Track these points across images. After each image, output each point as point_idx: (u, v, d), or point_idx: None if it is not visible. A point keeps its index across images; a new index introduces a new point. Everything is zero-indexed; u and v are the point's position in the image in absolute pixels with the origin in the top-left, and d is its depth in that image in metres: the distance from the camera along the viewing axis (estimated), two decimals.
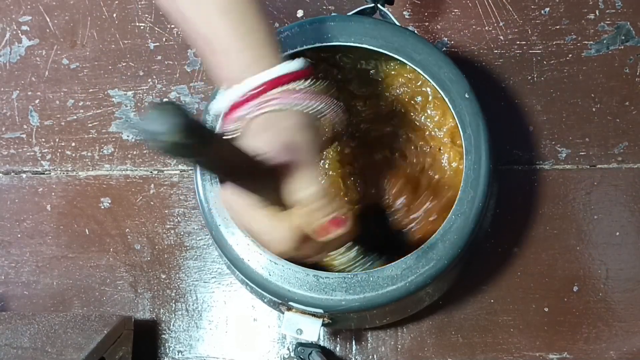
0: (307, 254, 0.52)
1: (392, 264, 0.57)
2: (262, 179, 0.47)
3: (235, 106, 0.48)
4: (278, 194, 0.49)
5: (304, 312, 0.59)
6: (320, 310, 0.58)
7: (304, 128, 0.49)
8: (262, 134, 0.48)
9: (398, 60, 0.62)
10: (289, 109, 0.48)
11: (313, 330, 0.59)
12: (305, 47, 0.62)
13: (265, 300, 0.65)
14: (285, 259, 0.56)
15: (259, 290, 0.60)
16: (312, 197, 0.49)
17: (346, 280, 0.57)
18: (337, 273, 0.58)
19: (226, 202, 0.50)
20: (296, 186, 0.49)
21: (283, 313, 0.61)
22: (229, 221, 0.59)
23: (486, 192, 0.59)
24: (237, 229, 0.59)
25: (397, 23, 0.65)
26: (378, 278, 0.57)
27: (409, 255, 0.57)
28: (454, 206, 0.58)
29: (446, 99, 0.60)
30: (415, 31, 0.76)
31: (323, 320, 0.59)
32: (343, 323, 0.66)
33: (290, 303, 0.58)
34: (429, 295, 0.66)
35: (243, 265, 0.59)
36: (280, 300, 0.59)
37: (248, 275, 0.59)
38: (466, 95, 0.60)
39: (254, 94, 0.48)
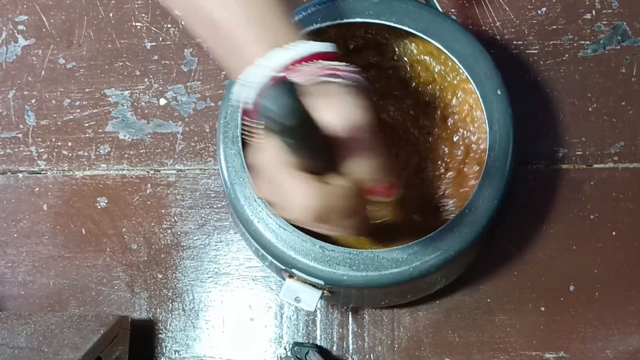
0: (330, 227, 0.48)
1: (399, 247, 0.57)
2: (322, 148, 0.46)
3: (287, 69, 0.46)
4: (328, 162, 0.47)
5: (304, 282, 0.59)
6: (322, 282, 0.58)
7: (366, 107, 0.47)
8: (330, 106, 0.46)
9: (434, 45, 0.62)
10: (348, 85, 0.47)
11: (311, 300, 0.59)
12: (345, 20, 0.62)
13: (267, 263, 0.65)
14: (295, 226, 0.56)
15: (264, 252, 0.60)
16: (371, 175, 0.47)
17: (351, 256, 0.57)
18: (343, 248, 0.58)
19: (259, 158, 0.46)
20: (356, 164, 0.47)
21: (284, 280, 0.61)
22: (245, 181, 0.59)
23: (505, 190, 0.59)
24: (249, 189, 0.59)
25: (440, 9, 0.64)
26: (383, 259, 0.57)
27: (417, 240, 0.57)
28: (469, 200, 0.58)
29: (477, 93, 0.60)
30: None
31: (323, 293, 0.59)
32: (341, 298, 0.66)
33: (293, 270, 0.58)
34: (433, 283, 0.66)
35: (252, 225, 0.59)
36: (283, 266, 0.59)
37: (255, 236, 0.59)
38: (498, 92, 0.60)
39: (307, 59, 0.46)
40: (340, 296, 0.63)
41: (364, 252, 0.57)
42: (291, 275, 0.60)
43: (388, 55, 0.68)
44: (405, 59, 0.67)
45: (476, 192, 0.58)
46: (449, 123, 0.66)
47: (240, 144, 0.60)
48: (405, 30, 0.62)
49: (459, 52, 0.61)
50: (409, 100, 0.67)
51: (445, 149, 0.66)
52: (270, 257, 0.60)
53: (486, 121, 0.59)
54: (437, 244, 0.57)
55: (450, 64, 0.65)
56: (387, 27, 0.63)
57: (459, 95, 0.65)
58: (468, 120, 0.65)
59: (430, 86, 0.67)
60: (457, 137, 0.66)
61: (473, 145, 0.65)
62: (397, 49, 0.67)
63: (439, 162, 0.66)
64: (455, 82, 0.66)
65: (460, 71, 0.62)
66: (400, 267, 0.57)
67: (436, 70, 0.66)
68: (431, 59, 0.66)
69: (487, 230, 0.59)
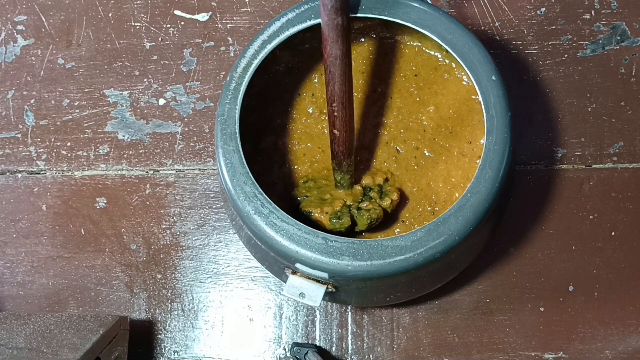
0: None
1: (403, 234, 0.57)
2: None
3: None
4: None
5: (308, 277, 0.59)
6: (326, 275, 0.58)
7: None
8: None
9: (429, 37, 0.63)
10: None
11: (316, 295, 0.59)
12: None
13: (266, 265, 0.65)
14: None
15: (265, 249, 0.59)
16: None
17: (355, 246, 0.57)
18: (346, 238, 0.57)
19: None
20: None
21: (286, 280, 0.61)
22: (244, 178, 0.59)
23: (504, 173, 0.59)
24: (248, 185, 0.59)
25: (429, 1, 0.66)
26: (387, 247, 0.57)
27: (420, 227, 0.58)
28: (470, 184, 0.59)
29: (473, 80, 0.61)
30: None
31: (327, 288, 0.59)
32: (346, 295, 0.65)
33: (297, 265, 0.58)
34: (440, 273, 0.66)
35: (252, 222, 0.59)
36: (286, 262, 0.59)
37: (256, 232, 0.59)
38: (493, 78, 0.61)
39: None
40: (344, 292, 0.63)
41: (368, 241, 0.57)
42: (294, 272, 0.60)
43: (381, 47, 0.68)
44: (398, 53, 0.68)
45: (477, 175, 0.59)
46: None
47: (238, 140, 0.60)
48: (398, 23, 0.63)
49: (451, 41, 0.62)
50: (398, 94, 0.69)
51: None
52: (272, 253, 0.59)
53: (483, 106, 0.60)
54: (441, 229, 0.57)
55: (444, 54, 0.66)
56: (380, 21, 0.63)
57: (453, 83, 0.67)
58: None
59: (422, 78, 0.68)
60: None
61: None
62: (391, 41, 0.68)
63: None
64: (448, 71, 0.67)
65: (456, 60, 0.63)
66: (405, 254, 0.57)
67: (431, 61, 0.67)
68: (426, 49, 0.68)
69: (490, 215, 0.59)
